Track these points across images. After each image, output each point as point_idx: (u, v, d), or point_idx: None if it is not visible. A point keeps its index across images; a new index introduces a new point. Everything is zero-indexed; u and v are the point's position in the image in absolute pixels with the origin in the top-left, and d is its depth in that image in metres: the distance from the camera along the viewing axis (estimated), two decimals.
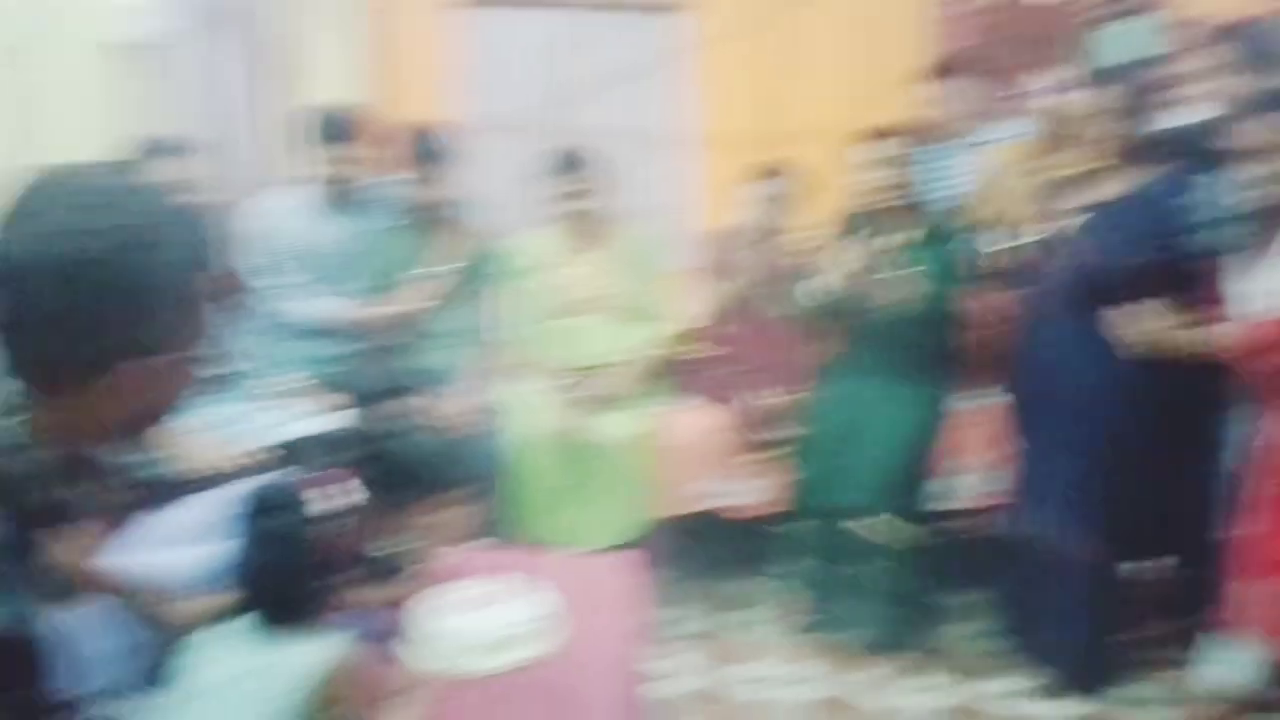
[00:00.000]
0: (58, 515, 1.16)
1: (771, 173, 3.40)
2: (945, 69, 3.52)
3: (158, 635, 1.64)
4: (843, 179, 3.10)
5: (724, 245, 3.44)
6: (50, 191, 1.07)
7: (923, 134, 3.50)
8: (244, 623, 1.55)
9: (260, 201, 3.29)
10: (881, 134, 3.06)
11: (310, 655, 1.50)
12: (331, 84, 4.03)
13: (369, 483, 1.87)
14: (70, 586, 1.24)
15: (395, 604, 2.07)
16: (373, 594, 2.18)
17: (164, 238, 1.09)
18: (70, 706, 1.33)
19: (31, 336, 1.06)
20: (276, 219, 3.18)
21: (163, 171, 2.61)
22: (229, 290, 2.84)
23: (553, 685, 1.82)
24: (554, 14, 4.17)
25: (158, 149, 2.71)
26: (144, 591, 1.60)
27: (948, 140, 3.48)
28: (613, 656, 1.94)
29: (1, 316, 1.07)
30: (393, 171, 3.20)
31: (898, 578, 2.89)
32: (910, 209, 3.06)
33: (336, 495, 1.64)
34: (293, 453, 2.27)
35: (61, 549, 1.26)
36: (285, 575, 1.54)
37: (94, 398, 1.10)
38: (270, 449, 2.49)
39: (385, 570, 2.30)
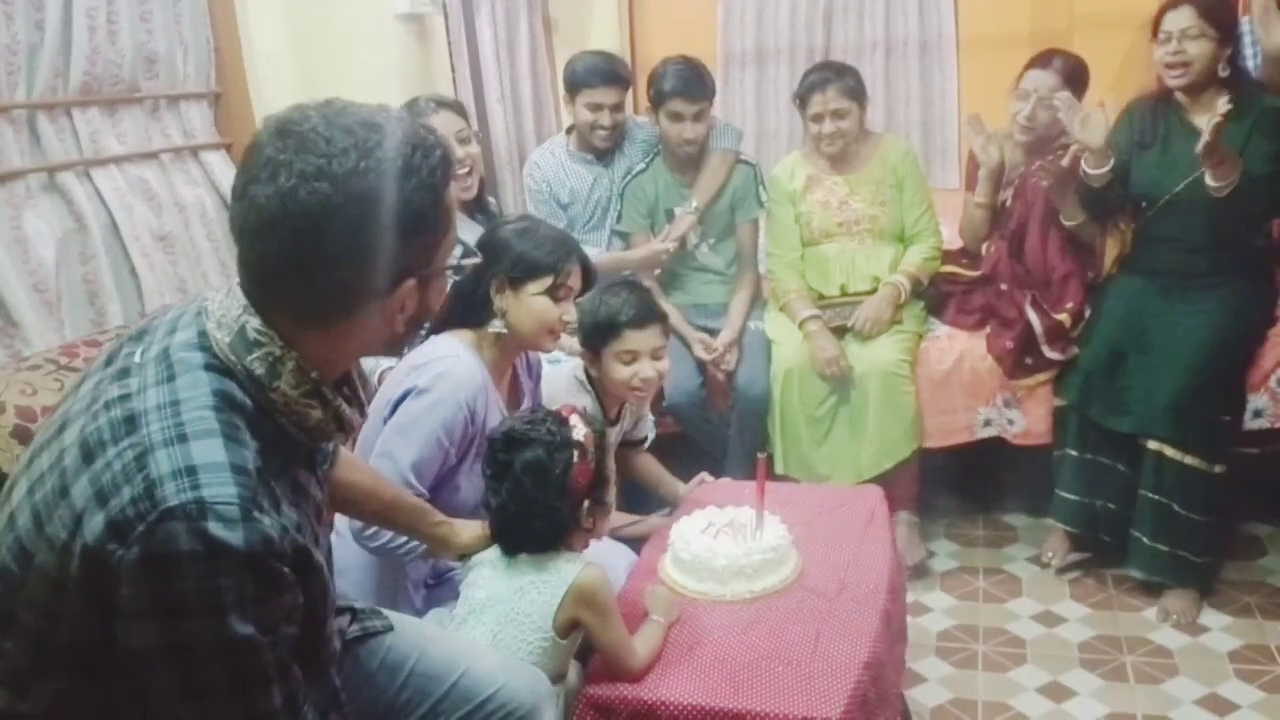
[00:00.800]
0: (319, 436, 1.23)
1: (1047, 59, 3.06)
2: None
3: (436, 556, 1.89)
4: (1135, 69, 2.81)
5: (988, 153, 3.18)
6: (293, 140, 1.10)
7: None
8: (507, 546, 1.76)
9: (535, 153, 3.48)
10: (1186, 1, 2.72)
11: (565, 574, 1.70)
12: (601, 31, 4.18)
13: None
14: (323, 506, 1.32)
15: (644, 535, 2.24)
16: (621, 523, 2.36)
17: (417, 163, 1.14)
18: (350, 612, 1.56)
19: (303, 279, 1.13)
20: (545, 169, 3.35)
21: (437, 127, 2.74)
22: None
23: (807, 611, 1.90)
24: None
25: (429, 108, 2.80)
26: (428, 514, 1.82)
27: None
28: (871, 585, 1.99)
29: (263, 264, 1.13)
30: (653, 110, 3.23)
31: (1183, 510, 2.69)
32: (1227, 86, 2.73)
33: (574, 426, 1.76)
34: None
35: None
36: (541, 503, 1.71)
37: (369, 321, 1.18)
38: None
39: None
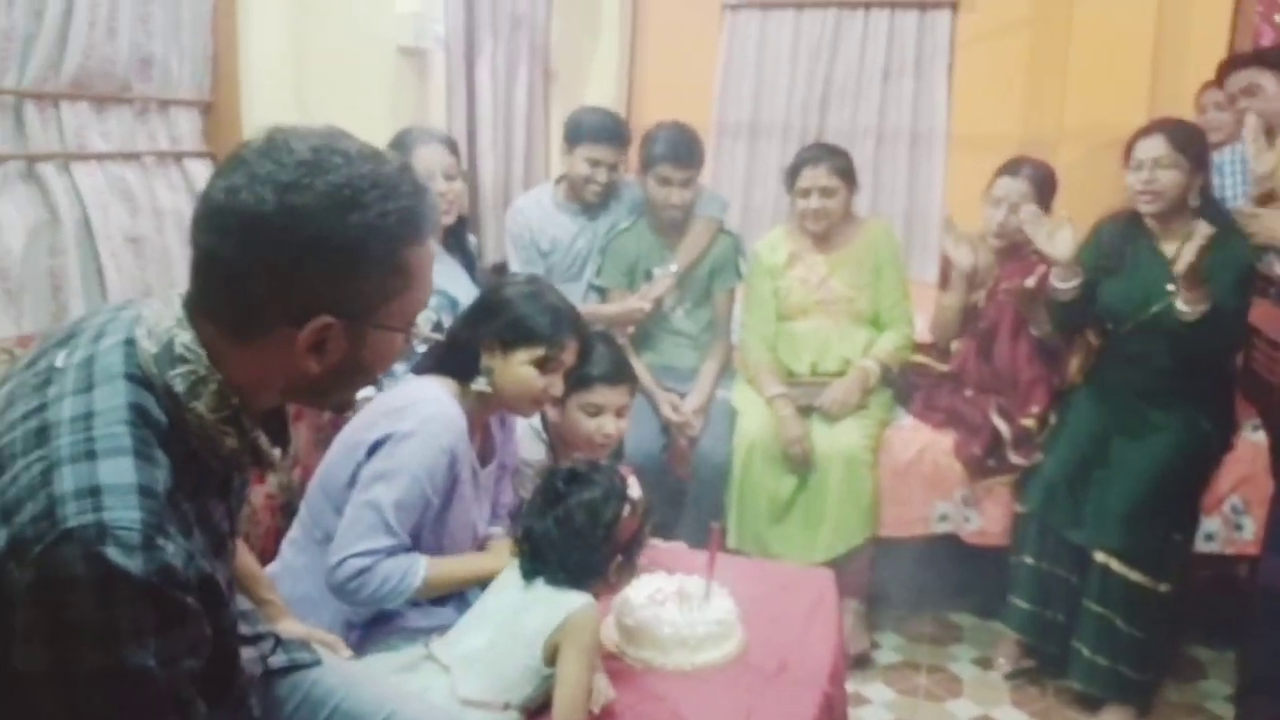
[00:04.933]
0: (233, 465, 1.18)
1: (1016, 166, 3.12)
2: (1256, 61, 3.14)
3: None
4: (1112, 184, 2.86)
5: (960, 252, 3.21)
6: (264, 145, 1.08)
7: (1222, 129, 3.24)
8: (529, 569, 1.79)
9: (520, 199, 3.48)
10: (1152, 129, 2.79)
11: (570, 603, 1.72)
12: (600, 87, 4.22)
13: None
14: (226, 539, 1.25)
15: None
16: None
17: (370, 201, 1.08)
18: (277, 641, 1.50)
19: (225, 281, 1.09)
20: (529, 215, 3.34)
21: (425, 160, 2.71)
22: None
23: (743, 688, 1.86)
24: (816, 14, 4.14)
25: (421, 139, 2.79)
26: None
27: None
28: (813, 668, 1.96)
29: (199, 259, 1.10)
30: (642, 170, 3.24)
31: (1125, 625, 2.68)
32: (1194, 213, 2.77)
33: (632, 485, 1.83)
34: None
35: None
36: (584, 540, 1.76)
37: (283, 351, 1.11)
38: None
39: None
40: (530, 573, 1.78)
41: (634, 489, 1.82)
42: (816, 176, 3.12)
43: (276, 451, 1.22)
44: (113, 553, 0.96)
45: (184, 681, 1.04)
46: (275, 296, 1.08)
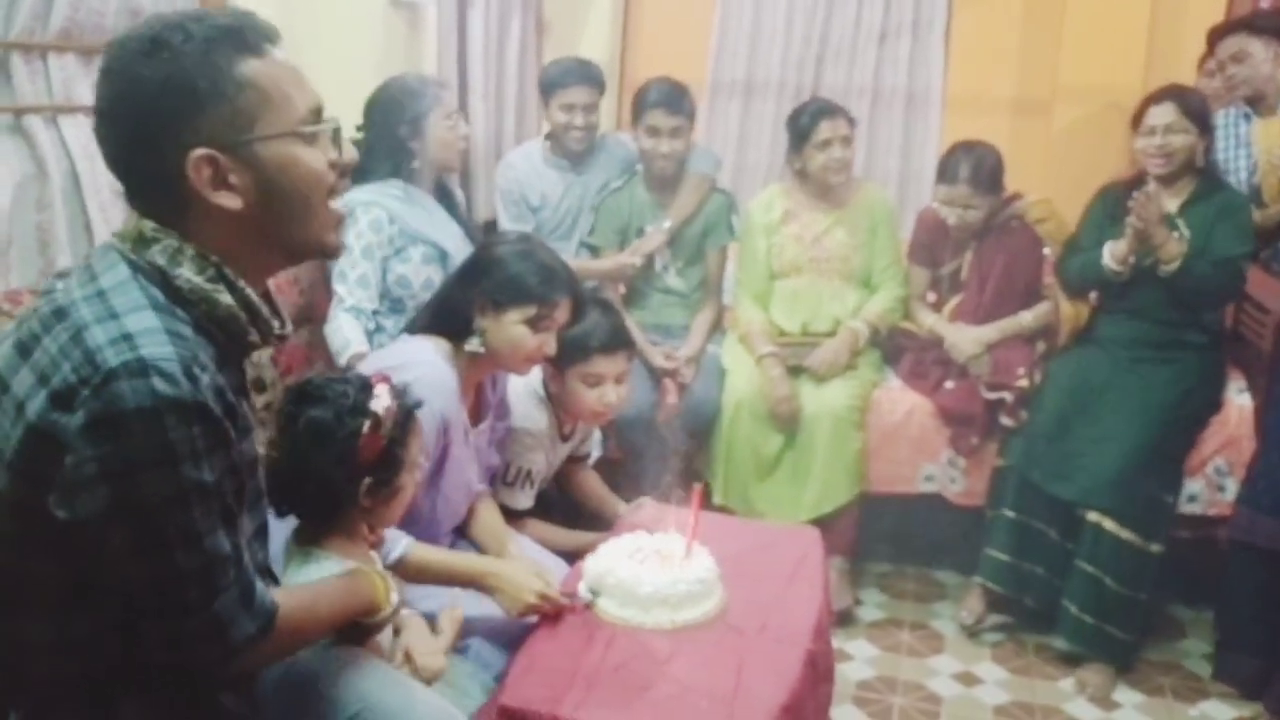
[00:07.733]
0: (236, 330, 1.23)
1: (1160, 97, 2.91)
2: (1245, 27, 3.17)
3: None
4: (1106, 145, 2.89)
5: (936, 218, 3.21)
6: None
7: (1220, 97, 3.25)
8: (278, 506, 1.58)
9: (511, 154, 3.47)
10: (1161, 96, 2.87)
11: (325, 572, 1.55)
12: (593, 41, 4.17)
13: None
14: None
15: (580, 550, 2.21)
16: (558, 537, 2.34)
17: (173, 39, 1.13)
18: None
19: (126, 177, 1.19)
20: (519, 170, 3.33)
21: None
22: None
23: (728, 647, 1.88)
24: None
25: (421, 88, 2.80)
26: None
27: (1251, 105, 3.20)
28: (794, 626, 1.98)
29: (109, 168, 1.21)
30: (634, 123, 3.23)
31: (1115, 585, 2.71)
32: (1197, 172, 2.89)
33: (378, 396, 1.60)
34: None
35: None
36: (314, 466, 1.54)
37: (209, 208, 1.17)
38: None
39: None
40: (279, 509, 1.58)
41: (381, 400, 1.58)
42: (836, 126, 3.12)
43: (276, 324, 1.28)
44: (158, 382, 1.06)
45: (230, 498, 1.16)
46: (156, 165, 1.15)
